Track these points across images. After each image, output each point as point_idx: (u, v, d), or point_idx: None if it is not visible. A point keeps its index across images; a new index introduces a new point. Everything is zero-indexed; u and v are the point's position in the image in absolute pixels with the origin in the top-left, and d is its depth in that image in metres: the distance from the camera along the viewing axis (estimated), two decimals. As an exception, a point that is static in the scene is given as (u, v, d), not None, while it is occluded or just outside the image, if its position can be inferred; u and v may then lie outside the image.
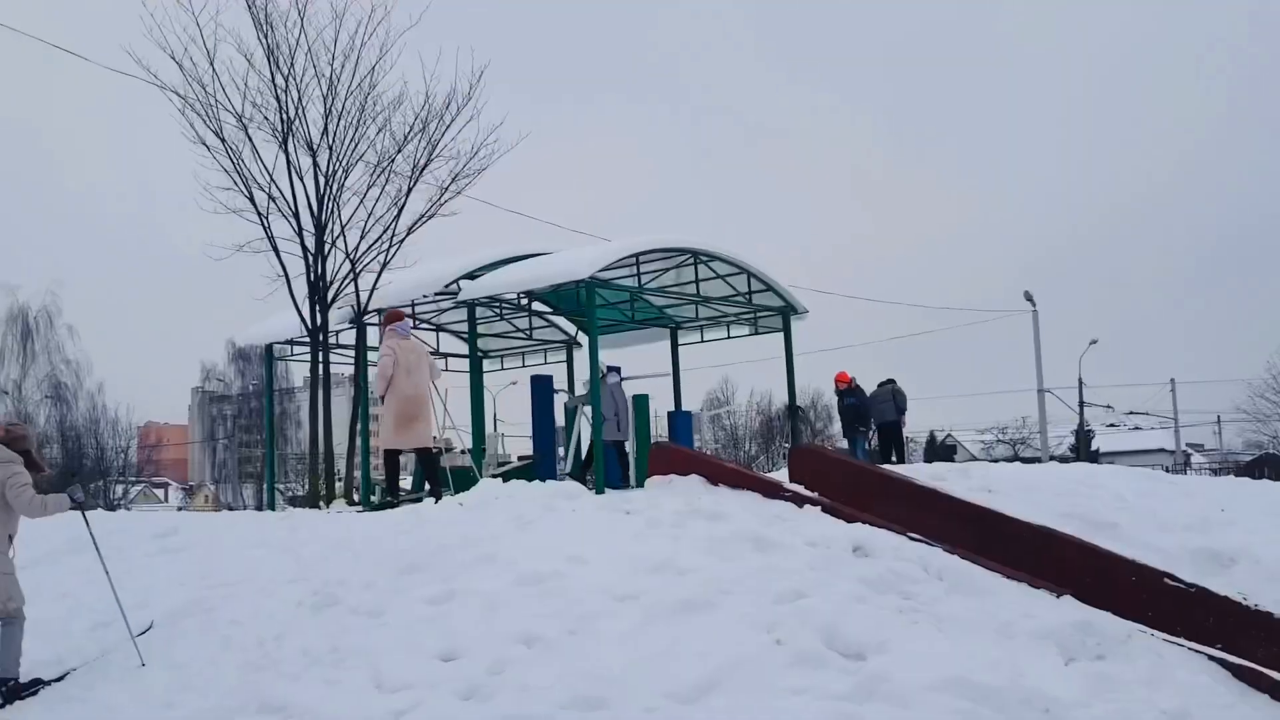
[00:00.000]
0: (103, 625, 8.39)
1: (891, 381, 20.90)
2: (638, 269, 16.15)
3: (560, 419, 17.56)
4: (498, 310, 18.94)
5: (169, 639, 7.80)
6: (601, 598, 7.03)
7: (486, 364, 20.72)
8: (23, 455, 7.91)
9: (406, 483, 18.01)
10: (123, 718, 6.56)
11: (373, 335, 17.53)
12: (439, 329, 20.04)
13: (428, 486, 13.48)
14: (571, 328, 20.44)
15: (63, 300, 59.12)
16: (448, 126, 18.05)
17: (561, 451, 17.57)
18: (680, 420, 19.02)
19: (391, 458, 13.81)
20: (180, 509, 52.20)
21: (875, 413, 20.76)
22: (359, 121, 18.02)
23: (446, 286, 16.54)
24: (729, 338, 19.58)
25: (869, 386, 20.91)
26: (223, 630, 7.53)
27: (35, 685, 7.52)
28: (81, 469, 56.12)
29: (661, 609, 6.71)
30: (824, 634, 6.26)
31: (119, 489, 62.09)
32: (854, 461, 13.57)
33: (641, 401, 17.05)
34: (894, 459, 20.36)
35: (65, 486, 8.21)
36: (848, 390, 20.81)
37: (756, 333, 18.76)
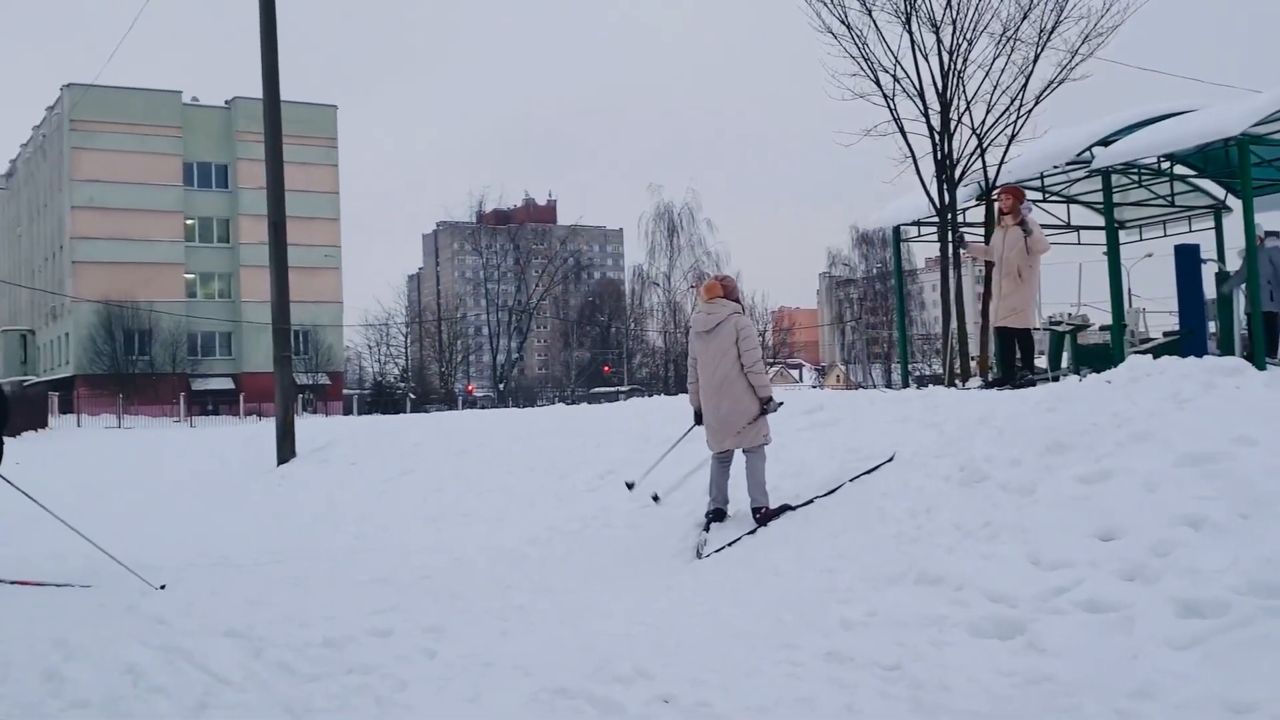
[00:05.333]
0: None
1: None
2: (1303, 119, 14.39)
3: (1210, 291, 16.24)
4: (1135, 177, 17.78)
5: (823, 509, 8.27)
6: (1278, 480, 6.43)
7: (1123, 235, 19.56)
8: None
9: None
10: (785, 579, 7.03)
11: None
12: (1069, 201, 19.21)
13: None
14: (1220, 191, 18.71)
15: (702, 196, 63.64)
16: (1078, -18, 17.10)
17: (1212, 327, 16.27)
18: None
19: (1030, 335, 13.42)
20: (815, 388, 54.72)
21: None
22: (983, -10, 17.57)
23: (1078, 155, 15.82)
24: None
25: None
26: (875, 503, 7.82)
27: (783, 510, 8.38)
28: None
29: (1355, 494, 6.00)
30: None
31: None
32: None
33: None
34: None
35: None
36: None
37: None
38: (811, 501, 8.43)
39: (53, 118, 69.62)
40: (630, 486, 8.64)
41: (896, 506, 7.63)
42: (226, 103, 70.17)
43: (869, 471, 8.58)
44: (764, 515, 8.40)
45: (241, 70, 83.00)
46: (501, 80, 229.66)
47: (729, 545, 8.10)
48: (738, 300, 8.94)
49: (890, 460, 8.65)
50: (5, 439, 9.30)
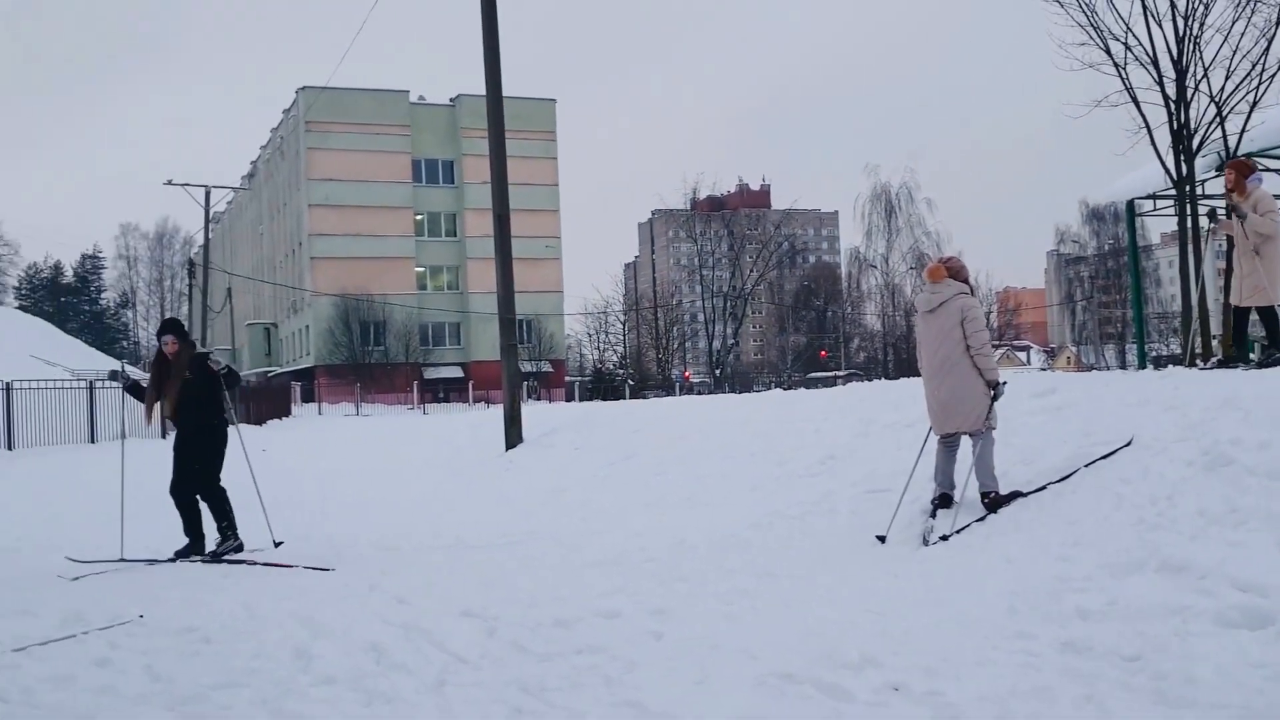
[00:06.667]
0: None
1: None
2: None
3: None
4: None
5: (1057, 495, 7.99)
6: None
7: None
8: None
9: None
10: (1017, 567, 6.83)
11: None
12: (1318, 170, 18.01)
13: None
14: None
15: (920, 175, 62.62)
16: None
17: None
18: None
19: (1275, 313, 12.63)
20: (1044, 370, 53.03)
21: None
22: (1220, -50, 16.63)
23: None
24: None
25: None
26: (1113, 488, 7.52)
27: (1013, 496, 8.21)
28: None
29: None
30: None
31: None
32: None
33: None
34: None
35: None
36: None
37: None
38: (1044, 488, 8.16)
39: (289, 120, 73.46)
40: (882, 540, 8.42)
41: (1135, 493, 7.32)
42: (451, 100, 72.59)
43: (1105, 456, 8.26)
44: (993, 500, 8.18)
45: (465, 67, 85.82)
46: (715, 67, 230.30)
47: (957, 532, 7.93)
48: (965, 281, 8.74)
49: (1128, 444, 8.30)
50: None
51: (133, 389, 9.81)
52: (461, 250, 71.99)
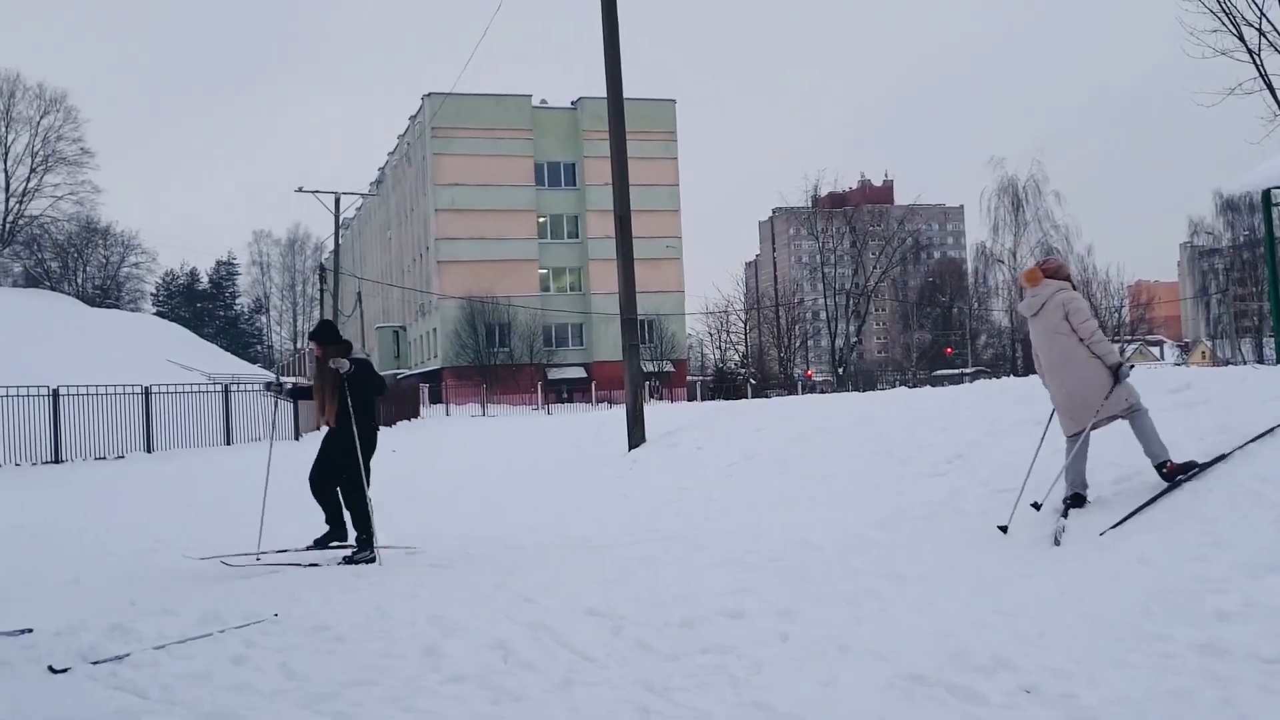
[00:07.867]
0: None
1: None
2: None
3: None
4: None
5: (1194, 493, 7.75)
6: None
7: None
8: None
9: None
10: (1153, 568, 6.65)
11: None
12: None
13: None
14: None
15: (1048, 168, 61.49)
16: None
17: None
18: None
19: None
20: (1178, 365, 51.42)
21: None
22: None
23: None
24: None
25: None
26: (1250, 486, 7.28)
27: (1190, 466, 7.99)
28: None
29: None
30: None
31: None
32: None
33: None
34: None
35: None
36: None
37: None
38: (1212, 464, 7.90)
39: (415, 126, 74.81)
40: (1004, 530, 8.29)
41: (1275, 490, 7.09)
42: (572, 103, 73.20)
43: (1267, 433, 8.00)
44: (1170, 470, 7.97)
45: (587, 69, 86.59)
46: (836, 63, 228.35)
47: (1094, 533, 7.73)
48: (1067, 278, 8.58)
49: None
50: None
51: (297, 393, 9.85)
52: (583, 252, 72.55)
